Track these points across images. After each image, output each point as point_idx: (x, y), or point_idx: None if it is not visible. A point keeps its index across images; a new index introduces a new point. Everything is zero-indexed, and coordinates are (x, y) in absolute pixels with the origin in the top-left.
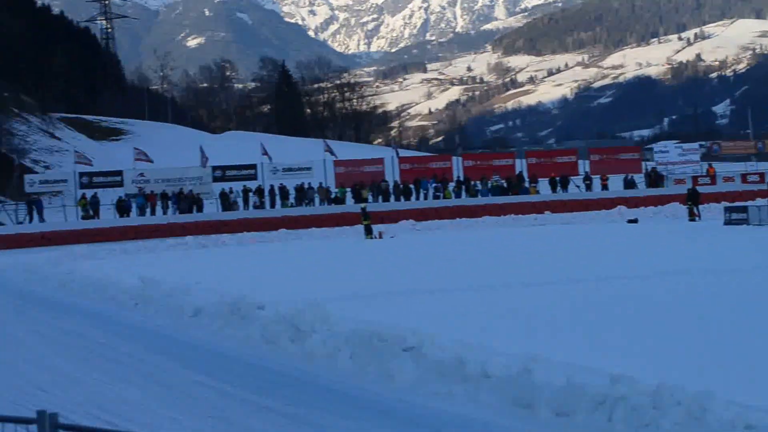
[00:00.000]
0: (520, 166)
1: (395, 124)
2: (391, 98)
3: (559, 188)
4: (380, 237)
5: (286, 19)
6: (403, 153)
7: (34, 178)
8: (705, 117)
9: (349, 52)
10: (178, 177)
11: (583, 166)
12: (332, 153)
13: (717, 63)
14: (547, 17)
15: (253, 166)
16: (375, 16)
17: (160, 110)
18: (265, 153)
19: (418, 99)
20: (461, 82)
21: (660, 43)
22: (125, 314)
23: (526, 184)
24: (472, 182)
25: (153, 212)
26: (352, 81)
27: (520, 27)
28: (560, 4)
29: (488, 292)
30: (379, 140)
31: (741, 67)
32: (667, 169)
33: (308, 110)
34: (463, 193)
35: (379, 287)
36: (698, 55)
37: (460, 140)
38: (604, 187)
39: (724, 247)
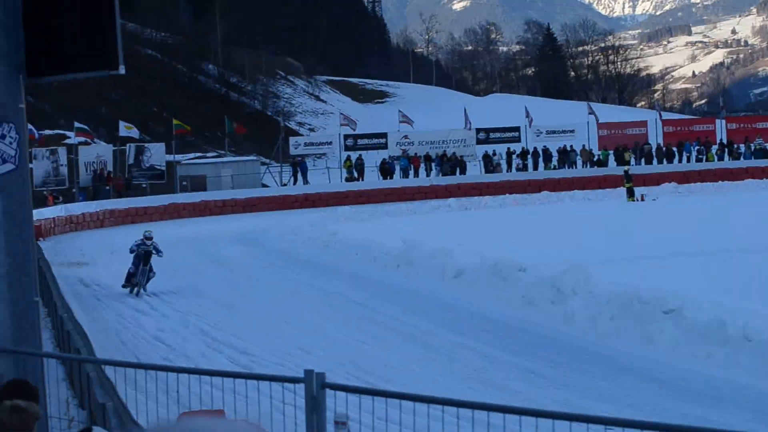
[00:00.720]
0: None
1: (659, 86)
2: (654, 61)
3: None
4: (642, 199)
5: None
6: (666, 116)
7: (299, 140)
8: None
9: (614, 15)
10: (442, 139)
11: None
12: (595, 116)
13: None
14: None
15: (517, 129)
16: None
17: (425, 73)
18: (528, 115)
19: (681, 62)
20: (725, 44)
21: None
22: (387, 276)
23: None
24: (735, 145)
25: (416, 174)
26: (617, 44)
27: None
28: None
29: (748, 255)
30: (642, 103)
31: None
32: None
33: (572, 73)
34: (726, 156)
35: (641, 250)
36: None
37: (723, 103)
38: None
39: None
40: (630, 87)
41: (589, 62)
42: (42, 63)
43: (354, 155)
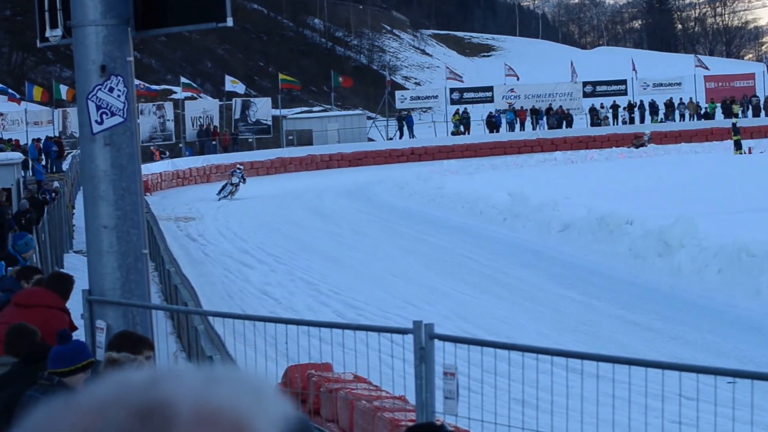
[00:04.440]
0: None
1: (766, 39)
2: (762, 13)
3: None
4: (750, 152)
5: None
6: None
7: (405, 95)
8: None
9: None
10: (548, 93)
11: None
12: (704, 67)
13: None
14: None
15: (623, 82)
16: None
17: (531, 26)
18: (633, 68)
19: None
20: None
21: None
22: (493, 229)
23: None
24: None
25: (522, 128)
26: None
27: None
28: None
29: None
30: (750, 55)
31: None
32: None
33: (679, 25)
34: None
35: (748, 203)
36: None
37: None
38: None
39: None
40: (737, 39)
41: (697, 14)
42: (150, 16)
43: (460, 109)
